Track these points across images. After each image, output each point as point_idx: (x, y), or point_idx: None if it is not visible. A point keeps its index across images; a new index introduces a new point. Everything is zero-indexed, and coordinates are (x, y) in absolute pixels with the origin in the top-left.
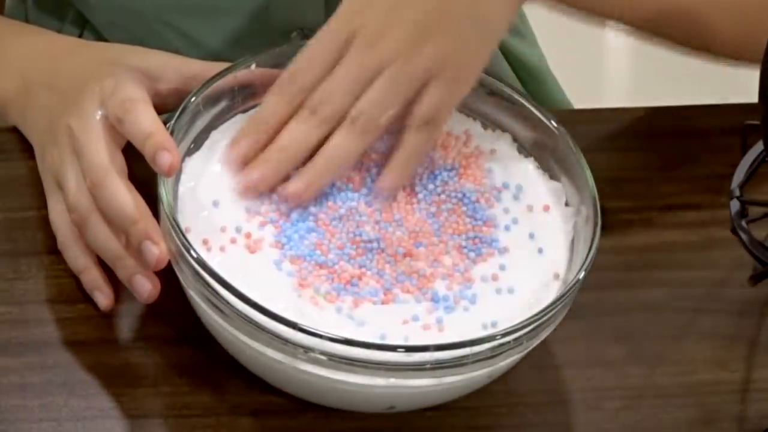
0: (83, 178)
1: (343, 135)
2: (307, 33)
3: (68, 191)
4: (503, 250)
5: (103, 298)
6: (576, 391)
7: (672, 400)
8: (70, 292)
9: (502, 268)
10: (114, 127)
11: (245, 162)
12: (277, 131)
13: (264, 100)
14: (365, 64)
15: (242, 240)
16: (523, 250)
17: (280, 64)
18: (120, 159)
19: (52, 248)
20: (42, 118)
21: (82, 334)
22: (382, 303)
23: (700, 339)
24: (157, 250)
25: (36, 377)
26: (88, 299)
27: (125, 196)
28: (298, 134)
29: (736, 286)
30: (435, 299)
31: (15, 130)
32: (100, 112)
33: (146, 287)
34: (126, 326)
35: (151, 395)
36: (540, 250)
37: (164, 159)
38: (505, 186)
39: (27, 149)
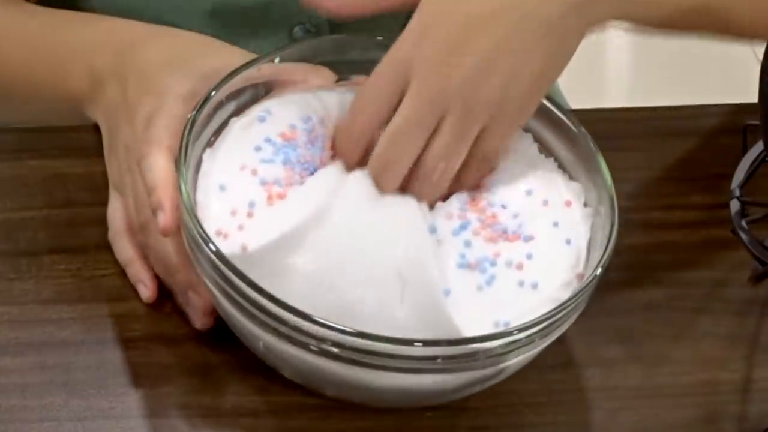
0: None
1: (419, 188)
2: (308, 28)
3: (126, 209)
4: (528, 238)
5: (146, 290)
6: (576, 391)
7: (672, 400)
8: (70, 292)
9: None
10: None
11: None
12: None
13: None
14: (425, 109)
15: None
16: (550, 240)
17: (305, 58)
18: None
19: (52, 248)
20: (108, 116)
21: (82, 334)
22: None
23: (700, 339)
24: (201, 301)
25: (36, 377)
26: (88, 300)
27: (167, 246)
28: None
29: (736, 286)
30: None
31: (15, 130)
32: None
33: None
34: (126, 326)
35: (151, 395)
36: (568, 242)
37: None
38: (530, 192)
39: (27, 149)
